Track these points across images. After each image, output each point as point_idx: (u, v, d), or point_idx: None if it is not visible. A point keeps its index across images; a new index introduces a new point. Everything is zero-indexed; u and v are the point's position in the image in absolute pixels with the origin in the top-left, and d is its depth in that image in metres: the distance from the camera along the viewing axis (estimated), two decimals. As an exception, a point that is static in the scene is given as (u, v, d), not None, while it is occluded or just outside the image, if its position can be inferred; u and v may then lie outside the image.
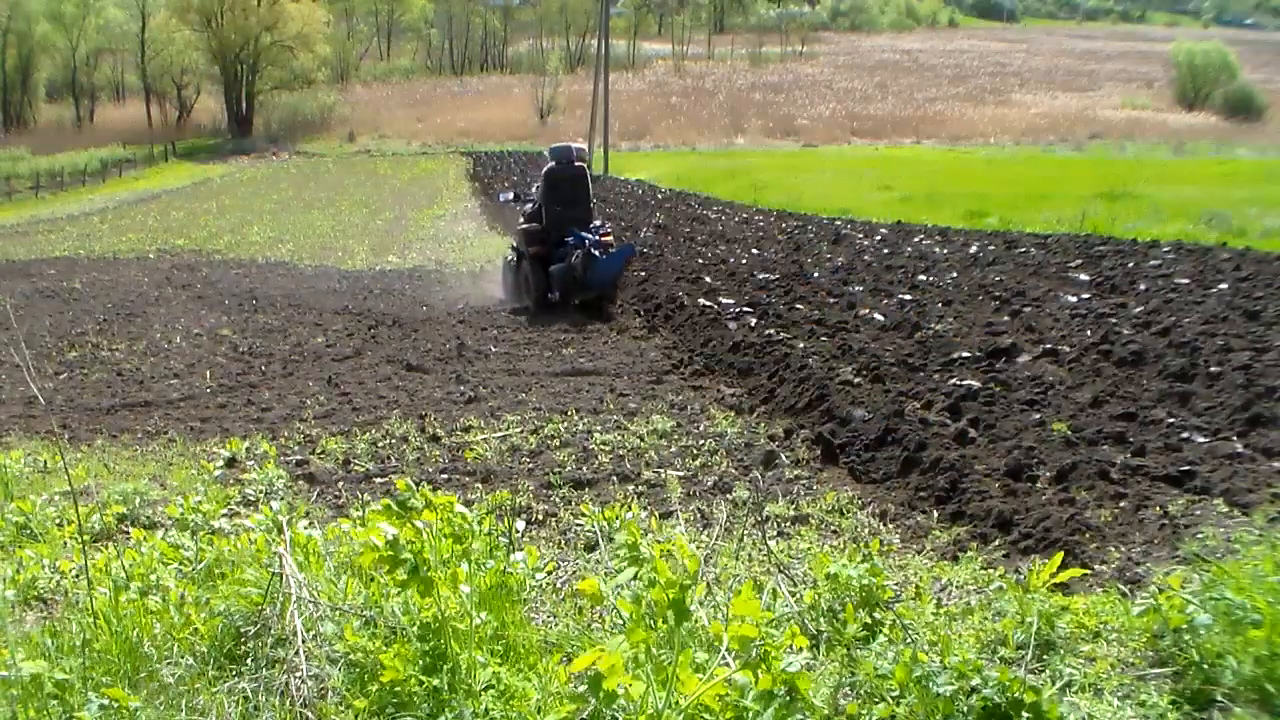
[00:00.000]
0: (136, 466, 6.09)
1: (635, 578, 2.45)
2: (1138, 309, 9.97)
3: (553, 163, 13.38)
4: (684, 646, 2.33)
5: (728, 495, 5.25)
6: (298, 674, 2.70)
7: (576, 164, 13.30)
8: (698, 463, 5.95)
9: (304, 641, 2.77)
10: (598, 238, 12.28)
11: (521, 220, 13.55)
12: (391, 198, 34.25)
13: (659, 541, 3.79)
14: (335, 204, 32.33)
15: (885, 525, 4.85)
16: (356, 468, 6.02)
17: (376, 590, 3.03)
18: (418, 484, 5.27)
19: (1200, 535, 4.16)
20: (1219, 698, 2.74)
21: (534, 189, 13.80)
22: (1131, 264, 13.19)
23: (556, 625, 3.23)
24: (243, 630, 2.95)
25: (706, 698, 2.24)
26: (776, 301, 11.55)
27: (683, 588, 2.34)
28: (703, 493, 5.32)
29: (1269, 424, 5.84)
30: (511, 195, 14.21)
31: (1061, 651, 3.02)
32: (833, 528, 4.79)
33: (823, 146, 53.78)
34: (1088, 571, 3.81)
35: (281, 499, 4.98)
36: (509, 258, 14.34)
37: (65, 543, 4.35)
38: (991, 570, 3.91)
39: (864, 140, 56.52)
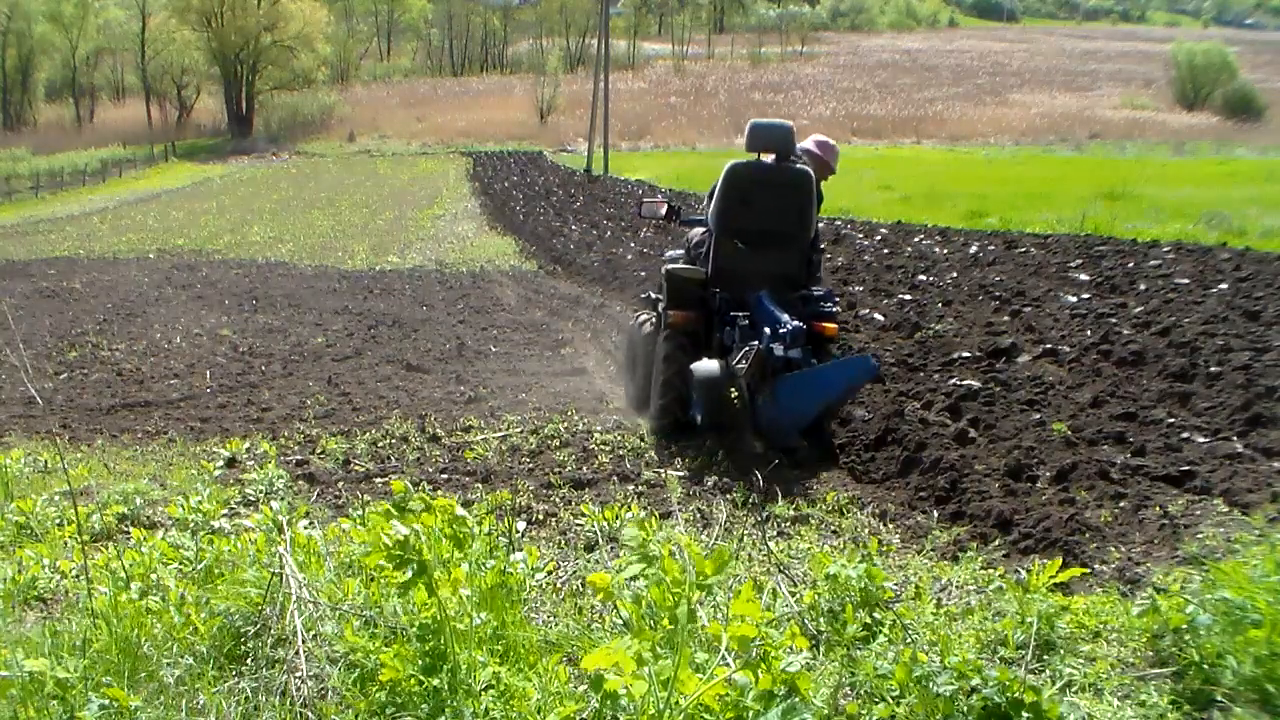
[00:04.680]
0: (136, 466, 6.09)
1: (642, 575, 2.45)
2: (1138, 309, 9.96)
3: (747, 158, 6.62)
4: (685, 646, 2.33)
5: (727, 495, 5.25)
6: (298, 674, 2.70)
7: (795, 165, 6.51)
8: (698, 463, 5.95)
9: (304, 641, 2.77)
10: (795, 325, 5.94)
11: (688, 242, 7.12)
12: (391, 198, 34.24)
13: (661, 541, 3.79)
14: (335, 204, 32.33)
15: (885, 525, 4.85)
16: (356, 468, 6.02)
17: (376, 590, 3.03)
18: (418, 484, 5.29)
19: (1200, 535, 4.16)
20: (1219, 698, 2.74)
21: (707, 200, 7.01)
22: (1131, 264, 13.18)
23: (556, 625, 3.23)
24: (243, 630, 2.95)
25: (707, 698, 2.24)
26: (776, 301, 11.52)
27: (691, 586, 2.34)
28: (703, 493, 5.32)
29: (1269, 424, 5.84)
30: (664, 208, 7.12)
31: (1061, 651, 3.02)
32: (833, 528, 4.78)
33: (822, 146, 53.68)
34: (1087, 571, 3.81)
35: (281, 499, 4.97)
36: (640, 316, 7.47)
37: (65, 543, 4.35)
38: (991, 570, 3.91)
39: (864, 140, 56.48)
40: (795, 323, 5.92)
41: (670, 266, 6.79)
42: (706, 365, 6.01)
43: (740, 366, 5.80)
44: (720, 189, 6.53)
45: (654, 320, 7.09)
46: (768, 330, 5.97)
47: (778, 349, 5.85)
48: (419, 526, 2.64)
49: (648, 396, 6.79)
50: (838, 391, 6.07)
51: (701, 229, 6.93)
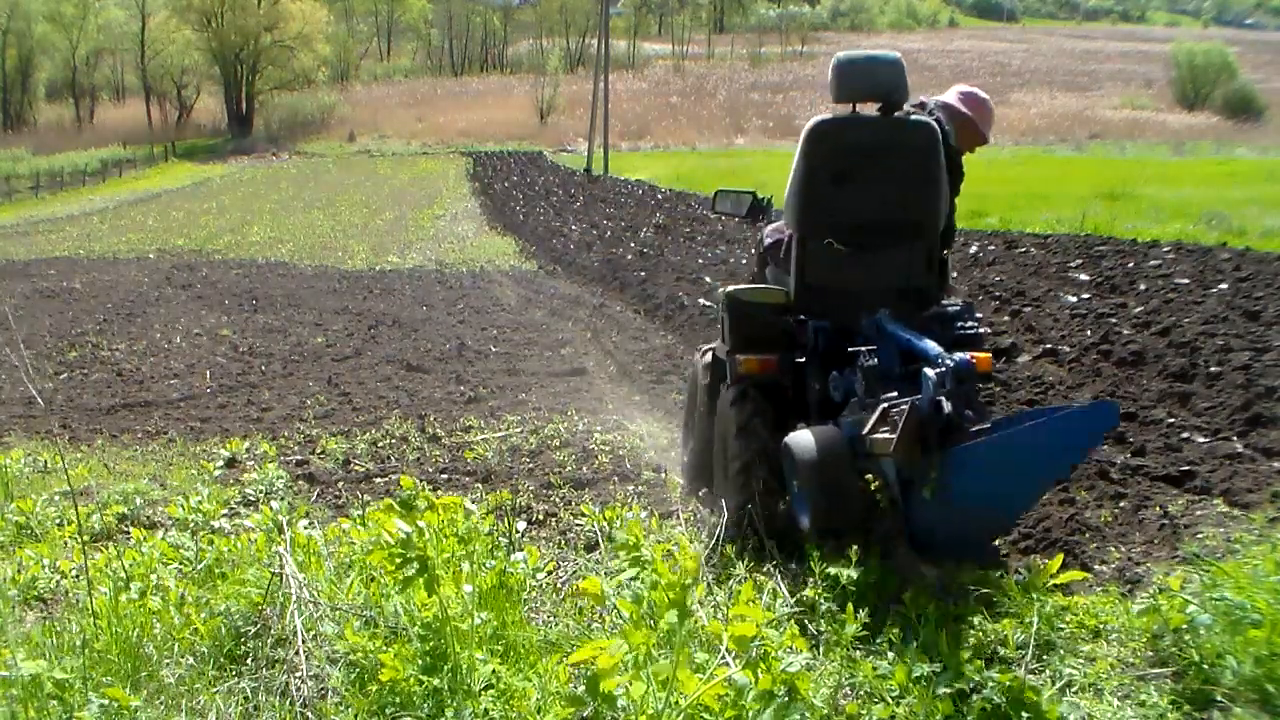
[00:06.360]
0: (136, 466, 6.09)
1: (636, 579, 2.45)
2: (1138, 309, 9.96)
3: (837, 110, 4.35)
4: (683, 646, 2.33)
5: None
6: (298, 674, 2.70)
7: (908, 115, 4.30)
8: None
9: (304, 641, 2.77)
10: (960, 359, 3.42)
11: (758, 245, 4.95)
12: (391, 198, 34.25)
13: (659, 541, 3.80)
14: (335, 204, 32.34)
15: (885, 525, 4.83)
16: (356, 468, 6.02)
17: (376, 590, 3.03)
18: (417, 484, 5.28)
19: (1200, 535, 4.16)
20: (1219, 698, 2.75)
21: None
22: (1131, 264, 13.17)
23: (556, 625, 3.23)
24: (243, 630, 2.96)
25: (706, 698, 2.24)
26: (776, 301, 11.49)
27: (684, 588, 2.34)
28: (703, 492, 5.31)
29: (1269, 424, 5.84)
30: (748, 203, 4.99)
31: (1061, 651, 3.02)
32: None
33: (823, 146, 53.68)
34: (1088, 576, 3.80)
35: (281, 499, 4.98)
36: (706, 351, 4.95)
37: (65, 543, 4.35)
38: (992, 570, 3.90)
39: (864, 140, 56.42)
40: (959, 355, 3.49)
41: (733, 287, 4.55)
42: (814, 438, 3.77)
43: (880, 437, 3.46)
44: (802, 162, 4.22)
45: (713, 366, 4.74)
46: (929, 373, 3.44)
47: (943, 405, 3.35)
48: (424, 524, 2.65)
49: (706, 468, 4.83)
50: (1068, 463, 3.76)
51: (773, 226, 4.74)
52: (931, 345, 3.69)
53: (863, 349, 3.99)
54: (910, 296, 4.28)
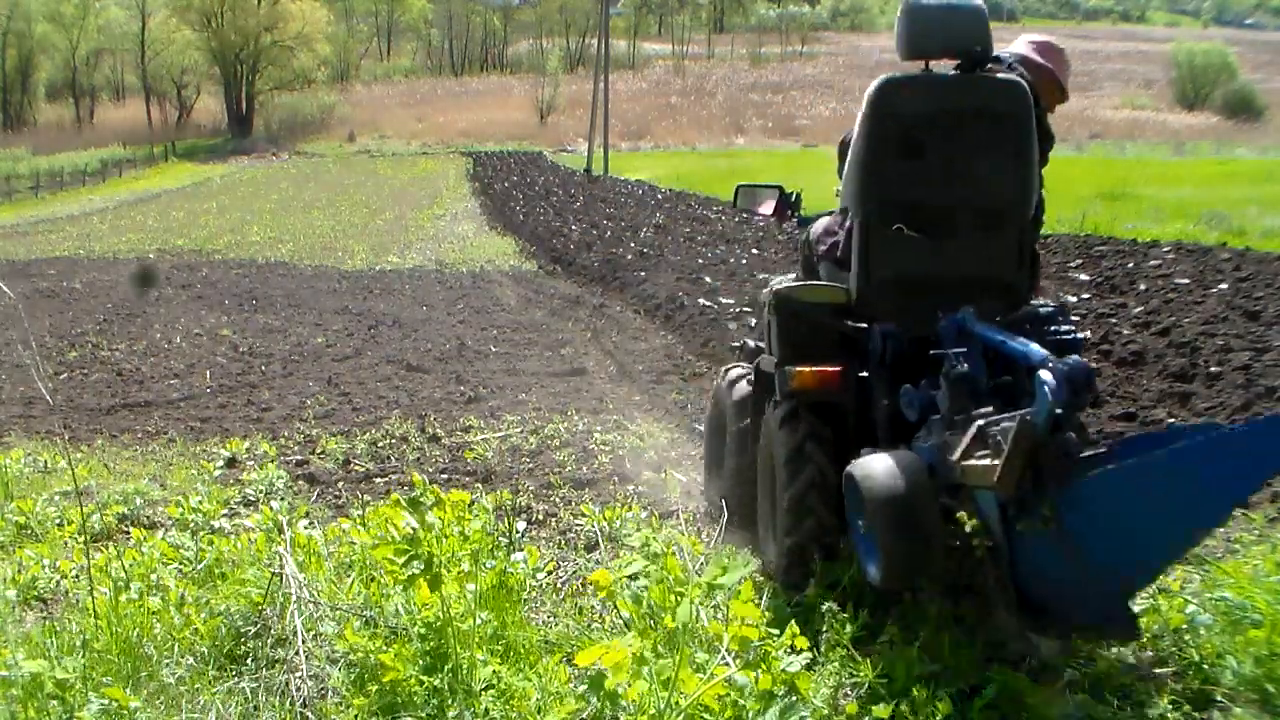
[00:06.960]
0: (136, 466, 6.09)
1: (644, 574, 2.45)
2: (1138, 309, 9.96)
3: (907, 69, 3.62)
4: (684, 646, 2.33)
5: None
6: (298, 674, 2.70)
7: (996, 74, 3.66)
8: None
9: (304, 641, 2.77)
10: (1075, 362, 2.65)
11: (806, 242, 4.15)
12: (391, 198, 34.26)
13: (662, 541, 3.80)
14: (335, 204, 32.35)
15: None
16: (356, 468, 6.02)
17: (376, 590, 3.03)
18: (418, 484, 5.27)
19: (1200, 535, 4.16)
20: (1219, 698, 2.75)
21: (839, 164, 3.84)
22: (1131, 264, 13.18)
23: (556, 625, 3.23)
24: (243, 630, 2.96)
25: (707, 697, 2.24)
26: (776, 301, 11.48)
27: (694, 586, 2.34)
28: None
29: (1269, 424, 5.84)
30: (772, 201, 4.36)
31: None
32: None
33: (823, 146, 53.84)
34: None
35: (281, 499, 4.98)
36: (730, 372, 4.55)
37: (65, 543, 4.35)
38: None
39: (864, 140, 56.46)
40: (1073, 358, 2.76)
41: (783, 286, 3.80)
42: (886, 466, 2.95)
43: (978, 464, 2.72)
44: (865, 131, 3.50)
45: (751, 378, 4.09)
46: (1046, 377, 2.65)
47: (1064, 420, 2.60)
48: (432, 518, 2.66)
49: (739, 501, 4.09)
50: (1234, 497, 2.69)
51: (822, 224, 4.05)
52: (1035, 347, 2.92)
53: (949, 352, 3.11)
54: (991, 291, 3.49)
